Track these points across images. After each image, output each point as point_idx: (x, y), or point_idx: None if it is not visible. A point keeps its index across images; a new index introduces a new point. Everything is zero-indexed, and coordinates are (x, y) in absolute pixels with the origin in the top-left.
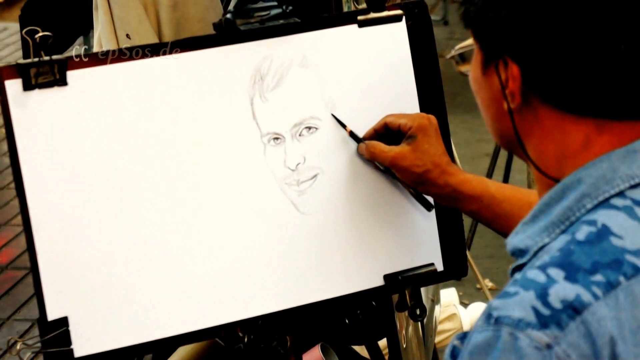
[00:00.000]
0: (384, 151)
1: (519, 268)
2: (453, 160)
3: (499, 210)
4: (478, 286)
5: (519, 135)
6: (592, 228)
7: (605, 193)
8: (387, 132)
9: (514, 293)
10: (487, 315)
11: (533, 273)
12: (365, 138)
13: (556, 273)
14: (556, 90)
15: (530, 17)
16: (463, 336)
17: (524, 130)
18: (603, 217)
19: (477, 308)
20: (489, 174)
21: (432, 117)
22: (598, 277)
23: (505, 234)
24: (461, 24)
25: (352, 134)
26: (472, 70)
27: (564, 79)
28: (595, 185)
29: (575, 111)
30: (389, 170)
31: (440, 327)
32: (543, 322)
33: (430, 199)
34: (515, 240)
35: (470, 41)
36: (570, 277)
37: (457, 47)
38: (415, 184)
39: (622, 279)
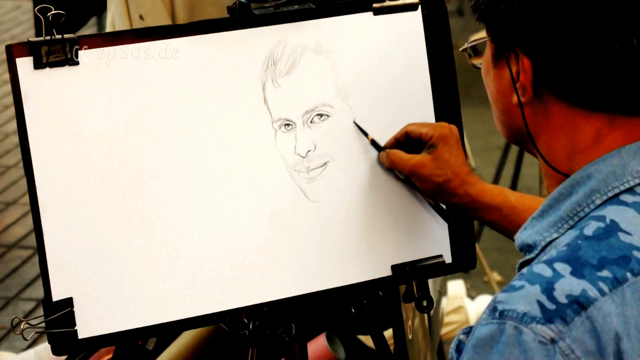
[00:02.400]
0: (404, 159)
1: (527, 263)
2: (465, 152)
3: (518, 221)
4: (486, 279)
5: (529, 129)
6: (601, 224)
7: (615, 189)
8: (408, 141)
9: (519, 287)
10: (492, 309)
11: (539, 267)
12: (386, 147)
13: (562, 268)
14: (568, 85)
15: (542, 10)
16: (468, 331)
17: (534, 124)
18: (612, 213)
19: (484, 301)
20: (500, 167)
21: (454, 127)
22: (605, 273)
23: None
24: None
25: (373, 142)
26: (483, 62)
27: (576, 73)
28: (604, 180)
29: (586, 106)
30: (409, 179)
31: (446, 319)
32: (548, 317)
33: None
34: (524, 235)
35: (483, 33)
36: (577, 272)
37: (470, 39)
38: (435, 193)
39: (629, 275)
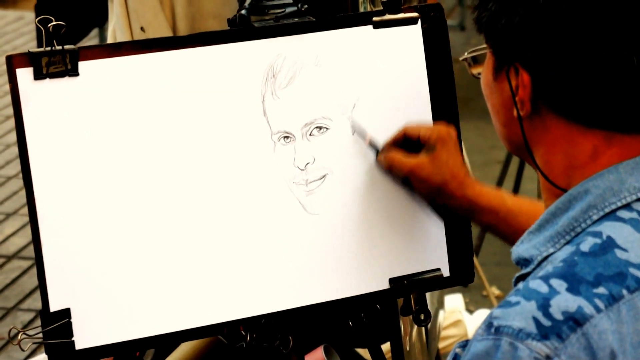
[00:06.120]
0: (402, 160)
1: (523, 277)
2: (463, 160)
3: (514, 224)
4: (484, 293)
5: (528, 143)
6: (597, 240)
7: (612, 205)
8: (406, 142)
9: (515, 303)
10: (488, 324)
11: (535, 283)
12: (384, 147)
13: (558, 284)
14: (566, 101)
15: (542, 26)
16: (465, 344)
17: (532, 138)
18: (608, 229)
19: (483, 315)
20: (500, 181)
21: (452, 129)
22: (601, 290)
23: None
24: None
25: (371, 143)
26: (483, 74)
27: (575, 89)
28: (602, 196)
29: (584, 122)
30: (407, 181)
31: (445, 333)
32: (543, 333)
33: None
34: (520, 249)
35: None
36: (573, 289)
37: (471, 49)
38: (433, 194)
39: (625, 292)
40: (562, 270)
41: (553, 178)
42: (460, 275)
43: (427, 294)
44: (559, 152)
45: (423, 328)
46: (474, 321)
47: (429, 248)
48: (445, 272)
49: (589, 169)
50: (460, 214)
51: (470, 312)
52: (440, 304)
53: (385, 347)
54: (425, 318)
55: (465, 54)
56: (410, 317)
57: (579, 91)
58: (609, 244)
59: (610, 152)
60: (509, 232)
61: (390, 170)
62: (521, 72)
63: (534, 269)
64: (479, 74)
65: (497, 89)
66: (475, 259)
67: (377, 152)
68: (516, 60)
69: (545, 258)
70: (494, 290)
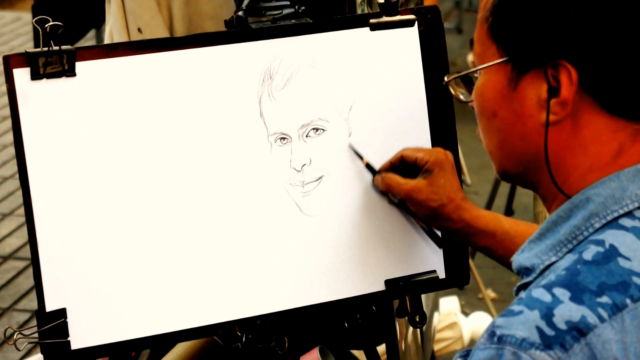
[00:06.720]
0: (400, 183)
1: (525, 286)
2: (460, 169)
3: (512, 246)
4: (480, 296)
5: (547, 151)
6: (600, 248)
7: (614, 213)
8: (403, 166)
9: (518, 312)
10: (491, 333)
11: (538, 292)
12: (381, 170)
13: (562, 293)
14: (615, 90)
15: (590, 17)
16: (466, 354)
17: (555, 144)
18: (611, 237)
19: (478, 318)
20: (496, 184)
21: (449, 153)
22: (604, 299)
23: None
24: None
25: (368, 166)
26: (484, 91)
27: (626, 78)
28: (604, 204)
29: (626, 113)
30: (403, 203)
31: (440, 335)
32: (547, 343)
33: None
34: (522, 258)
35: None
36: (576, 298)
37: (454, 71)
38: (430, 218)
39: (628, 301)
40: (565, 279)
41: (567, 186)
42: (456, 278)
43: (423, 296)
44: (580, 155)
45: (418, 330)
46: (469, 324)
47: (424, 250)
48: (441, 274)
49: (608, 170)
50: (457, 238)
51: (466, 314)
52: (435, 306)
53: (381, 348)
54: (420, 320)
55: (445, 78)
56: (406, 318)
57: (630, 79)
58: (612, 253)
59: (632, 150)
60: (506, 255)
61: (386, 192)
62: (568, 69)
63: (535, 278)
64: (463, 95)
65: (515, 99)
66: (471, 262)
67: (374, 174)
68: (560, 57)
69: (548, 267)
70: (490, 293)
